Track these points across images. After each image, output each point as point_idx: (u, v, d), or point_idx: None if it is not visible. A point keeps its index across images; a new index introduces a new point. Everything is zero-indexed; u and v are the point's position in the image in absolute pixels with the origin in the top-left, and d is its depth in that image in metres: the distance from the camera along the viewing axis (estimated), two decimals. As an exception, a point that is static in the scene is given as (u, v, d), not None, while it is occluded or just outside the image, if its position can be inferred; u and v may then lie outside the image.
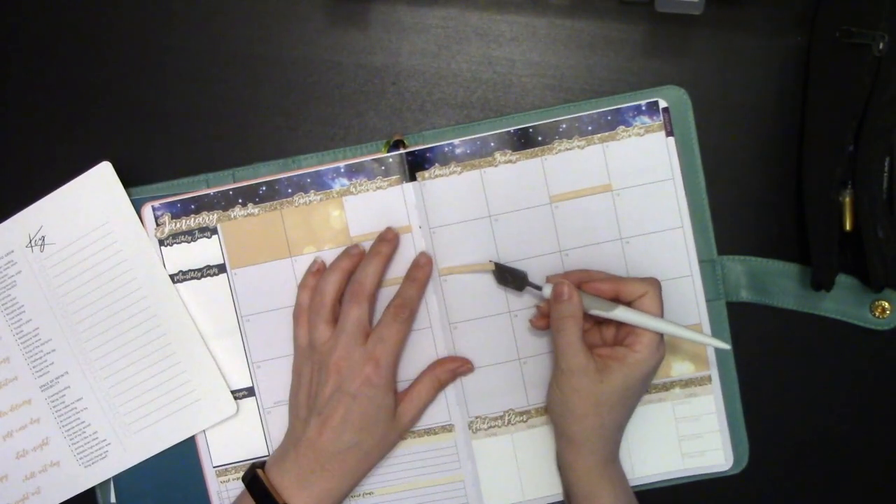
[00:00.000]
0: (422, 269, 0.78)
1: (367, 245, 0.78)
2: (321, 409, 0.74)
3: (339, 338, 0.74)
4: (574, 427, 0.73)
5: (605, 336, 0.76)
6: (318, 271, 0.78)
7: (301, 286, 0.78)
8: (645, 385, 0.75)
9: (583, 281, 0.75)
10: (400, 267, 0.79)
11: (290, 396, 0.78)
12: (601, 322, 0.76)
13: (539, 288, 0.76)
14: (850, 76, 0.73)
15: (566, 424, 0.74)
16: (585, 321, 0.74)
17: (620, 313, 0.72)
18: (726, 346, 0.73)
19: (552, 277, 0.76)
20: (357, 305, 0.75)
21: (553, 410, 0.75)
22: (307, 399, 0.76)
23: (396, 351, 0.75)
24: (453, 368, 0.79)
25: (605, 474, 0.74)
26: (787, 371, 0.81)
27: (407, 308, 0.76)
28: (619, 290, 0.73)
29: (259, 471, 0.76)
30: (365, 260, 0.77)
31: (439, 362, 0.79)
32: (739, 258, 0.80)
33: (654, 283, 0.73)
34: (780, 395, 0.81)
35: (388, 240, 0.78)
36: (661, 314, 0.73)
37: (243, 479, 0.76)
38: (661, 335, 0.72)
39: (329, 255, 0.79)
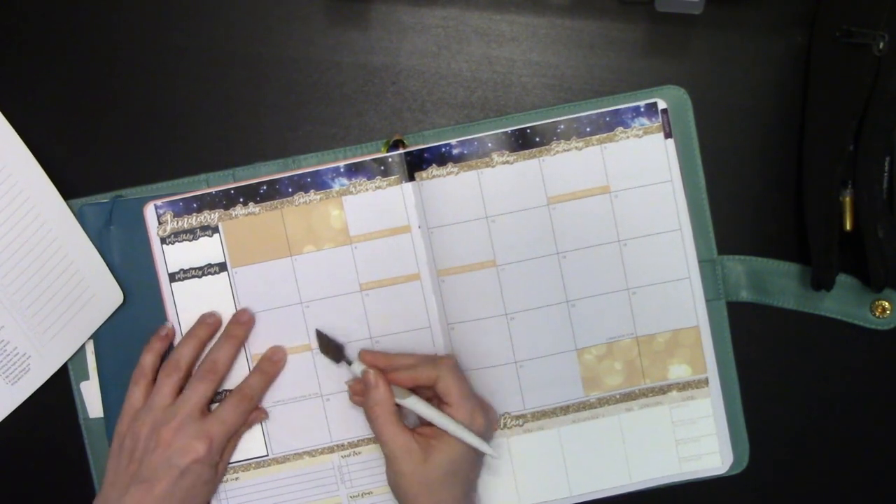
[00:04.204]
0: (274, 365, 0.79)
1: (365, 246, 0.79)
2: (146, 476, 0.73)
3: (179, 408, 0.75)
4: None
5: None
6: (166, 336, 0.79)
7: (147, 349, 0.79)
8: (472, 457, 0.74)
9: (388, 366, 0.76)
10: (399, 267, 0.79)
11: (110, 459, 0.77)
12: (430, 396, 0.76)
13: (350, 363, 0.77)
14: (850, 76, 0.73)
15: None
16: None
17: (411, 402, 0.74)
18: (493, 454, 0.75)
19: (365, 354, 0.77)
20: (207, 383, 0.76)
21: (393, 493, 0.75)
22: (128, 465, 0.75)
23: (231, 435, 0.77)
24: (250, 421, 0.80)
25: None
26: (787, 371, 0.81)
27: (253, 400, 0.78)
28: (415, 378, 0.74)
29: None
30: (221, 340, 0.79)
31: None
32: (739, 258, 0.80)
33: (446, 364, 0.74)
34: (780, 395, 0.81)
35: (243, 322, 0.79)
36: (459, 393, 0.73)
37: None
38: (474, 406, 0.73)
39: (329, 254, 0.79)
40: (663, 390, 0.79)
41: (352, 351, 0.79)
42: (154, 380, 0.77)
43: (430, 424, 0.74)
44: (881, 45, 0.71)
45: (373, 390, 0.74)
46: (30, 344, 0.80)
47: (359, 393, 0.76)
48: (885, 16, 0.72)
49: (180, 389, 0.76)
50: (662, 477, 0.80)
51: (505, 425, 0.80)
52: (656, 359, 0.79)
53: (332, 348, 0.78)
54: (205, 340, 0.79)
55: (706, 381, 0.79)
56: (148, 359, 0.78)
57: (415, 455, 0.72)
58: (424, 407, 0.74)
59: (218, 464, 0.77)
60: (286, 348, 0.80)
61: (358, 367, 0.76)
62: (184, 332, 0.80)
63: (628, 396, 0.80)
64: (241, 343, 0.79)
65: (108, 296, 0.81)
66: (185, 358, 0.77)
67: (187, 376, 0.77)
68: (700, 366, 0.79)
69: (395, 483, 0.73)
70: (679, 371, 0.79)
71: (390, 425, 0.73)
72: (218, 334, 0.79)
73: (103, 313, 0.81)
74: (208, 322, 0.79)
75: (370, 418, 0.74)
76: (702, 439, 0.80)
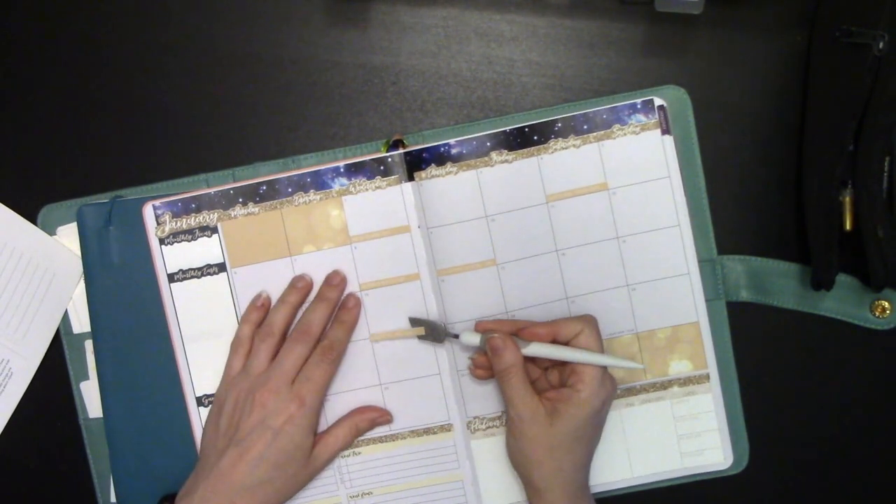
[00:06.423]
0: (350, 312, 0.78)
1: (365, 246, 0.79)
2: (240, 440, 0.74)
3: (274, 371, 0.75)
4: (534, 474, 0.73)
5: (551, 380, 0.76)
6: (262, 306, 0.79)
7: (244, 320, 0.79)
8: (598, 422, 0.75)
9: (518, 328, 0.75)
10: (399, 267, 0.79)
11: (208, 424, 0.78)
12: (547, 367, 0.76)
13: (456, 336, 0.77)
14: (849, 76, 0.73)
15: (525, 472, 0.74)
16: (533, 368, 0.75)
17: (535, 349, 0.73)
18: (640, 366, 0.76)
19: (482, 324, 0.77)
20: (301, 345, 0.76)
21: (512, 459, 0.76)
22: (227, 428, 0.76)
23: (322, 391, 0.76)
24: (373, 418, 0.79)
25: None
26: (787, 371, 0.80)
27: (335, 350, 0.77)
28: (555, 332, 0.74)
29: None
30: (314, 303, 0.78)
31: (359, 410, 0.79)
32: (739, 258, 0.79)
33: (589, 321, 0.74)
34: (780, 395, 0.81)
35: (335, 284, 0.79)
36: (599, 349, 0.73)
37: None
38: (603, 371, 0.73)
39: (328, 254, 0.79)
40: (664, 386, 0.79)
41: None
42: (251, 348, 0.78)
43: (555, 388, 0.74)
44: (881, 45, 0.71)
45: (504, 353, 0.73)
46: (4, 349, 0.80)
47: (482, 366, 0.76)
48: (885, 16, 0.72)
49: (275, 354, 0.77)
50: (664, 472, 0.80)
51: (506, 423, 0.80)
52: (657, 355, 0.79)
53: (431, 329, 0.78)
54: (296, 305, 0.79)
55: (707, 377, 0.79)
56: (245, 329, 0.78)
57: (541, 419, 0.72)
58: (553, 349, 0.73)
59: (315, 428, 0.77)
60: None
61: (474, 338, 0.75)
62: (184, 332, 0.80)
63: (629, 392, 0.79)
64: (335, 305, 0.78)
65: (68, 269, 0.81)
66: (279, 323, 0.77)
67: (282, 341, 0.77)
68: (701, 361, 0.79)
69: (518, 448, 0.74)
70: (680, 367, 0.79)
71: (522, 388, 0.73)
72: (310, 298, 0.79)
73: (69, 288, 0.81)
74: (298, 287, 0.79)
75: (502, 381, 0.74)
76: (704, 434, 0.79)
